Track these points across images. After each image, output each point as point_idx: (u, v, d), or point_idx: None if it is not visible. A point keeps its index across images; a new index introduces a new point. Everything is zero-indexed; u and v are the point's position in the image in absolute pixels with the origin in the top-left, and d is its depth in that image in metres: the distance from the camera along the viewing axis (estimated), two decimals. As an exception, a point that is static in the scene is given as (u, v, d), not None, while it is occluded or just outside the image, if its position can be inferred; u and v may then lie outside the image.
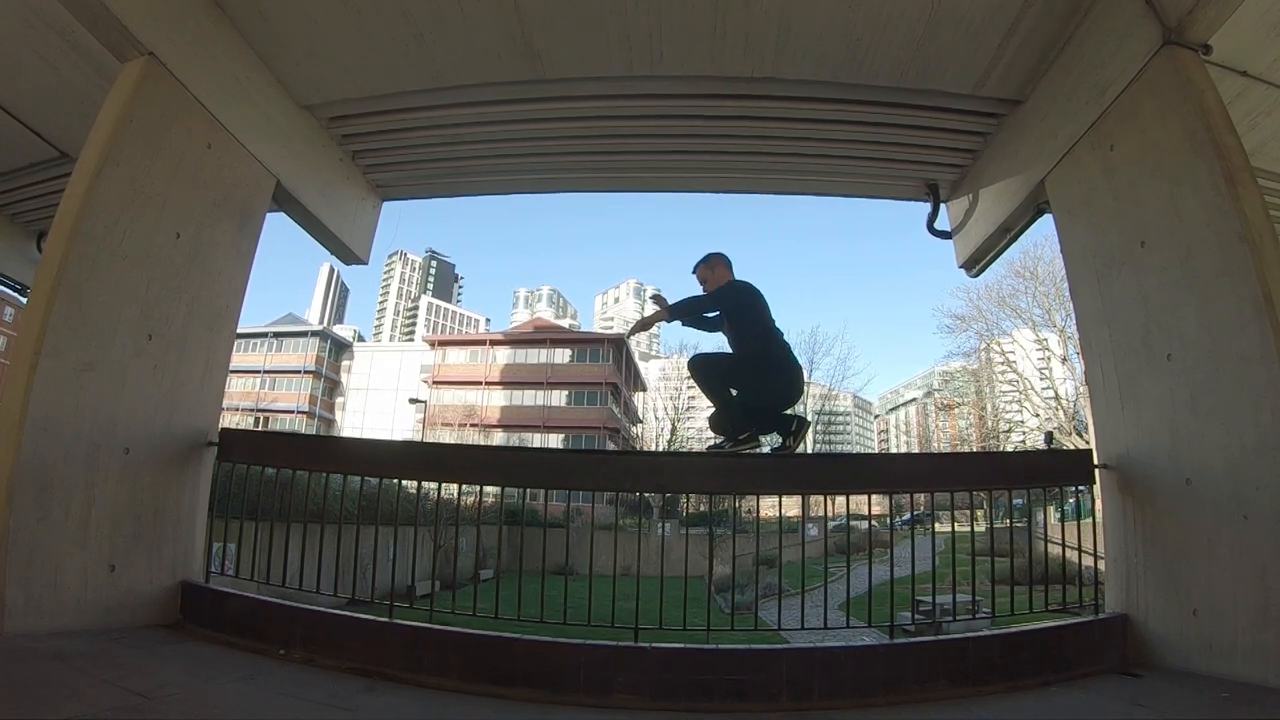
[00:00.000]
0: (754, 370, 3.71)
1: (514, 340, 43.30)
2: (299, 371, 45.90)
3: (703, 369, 3.82)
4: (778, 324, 3.85)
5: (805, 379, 4.25)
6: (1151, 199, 3.38)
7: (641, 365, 50.47)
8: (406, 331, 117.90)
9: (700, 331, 4.27)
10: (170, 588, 3.61)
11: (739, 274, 4.03)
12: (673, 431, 35.56)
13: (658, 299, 4.07)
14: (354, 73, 4.46)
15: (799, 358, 3.96)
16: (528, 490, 6.10)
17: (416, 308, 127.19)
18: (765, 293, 3.87)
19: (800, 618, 4.34)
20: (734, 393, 3.74)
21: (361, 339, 70.53)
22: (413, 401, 36.26)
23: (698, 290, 4.04)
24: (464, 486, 6.18)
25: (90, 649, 2.87)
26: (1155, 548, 3.33)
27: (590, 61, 4.32)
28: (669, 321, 3.92)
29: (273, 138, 4.43)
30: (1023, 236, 5.03)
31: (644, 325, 4.02)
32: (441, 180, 5.77)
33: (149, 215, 3.56)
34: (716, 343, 4.07)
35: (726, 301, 3.84)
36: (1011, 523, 4.80)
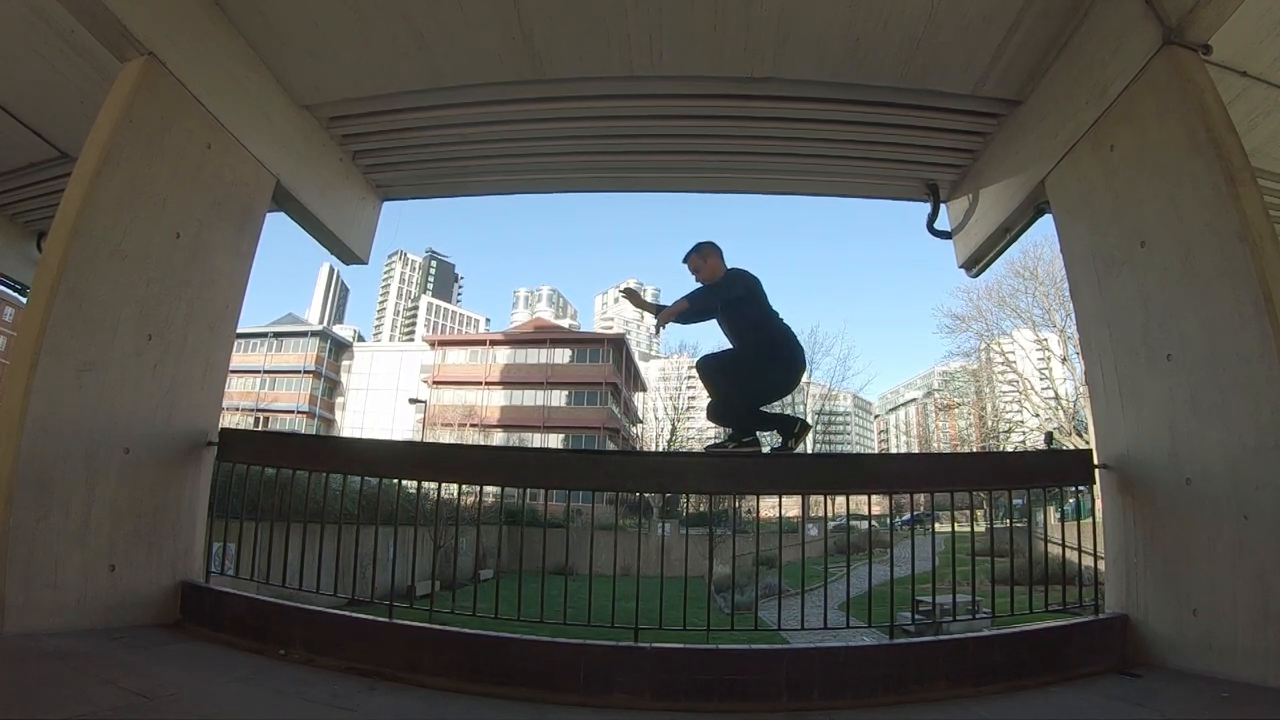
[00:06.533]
0: (763, 356, 3.73)
1: (514, 340, 43.26)
2: (299, 371, 45.86)
3: (711, 370, 3.82)
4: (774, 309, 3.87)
5: (806, 372, 4.24)
6: (1151, 199, 3.38)
7: (641, 365, 50.47)
8: (406, 331, 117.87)
9: (691, 325, 4.27)
10: (170, 587, 3.61)
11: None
12: (673, 432, 35.53)
13: (630, 293, 4.16)
14: (354, 72, 4.46)
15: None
16: (528, 490, 6.09)
17: (416, 308, 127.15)
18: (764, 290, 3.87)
19: (800, 618, 4.34)
20: (739, 387, 3.74)
21: (361, 339, 70.48)
22: (413, 401, 36.22)
23: (692, 283, 4.02)
24: (464, 487, 6.17)
25: (90, 649, 2.88)
26: (1155, 548, 3.33)
27: (590, 62, 4.32)
28: (685, 321, 3.88)
29: (272, 137, 4.43)
30: (1023, 236, 5.04)
31: (665, 320, 3.86)
32: (442, 180, 5.78)
33: (149, 215, 3.56)
34: (718, 342, 4.07)
35: (735, 289, 3.79)
36: (1011, 523, 4.80)
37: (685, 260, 4.02)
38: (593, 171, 5.66)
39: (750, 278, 3.83)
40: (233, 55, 4.06)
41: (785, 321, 3.85)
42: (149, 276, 3.58)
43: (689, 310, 3.83)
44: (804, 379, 4.04)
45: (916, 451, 50.93)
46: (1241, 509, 2.86)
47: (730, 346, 3.92)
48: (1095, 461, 3.74)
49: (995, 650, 3.23)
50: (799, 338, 3.90)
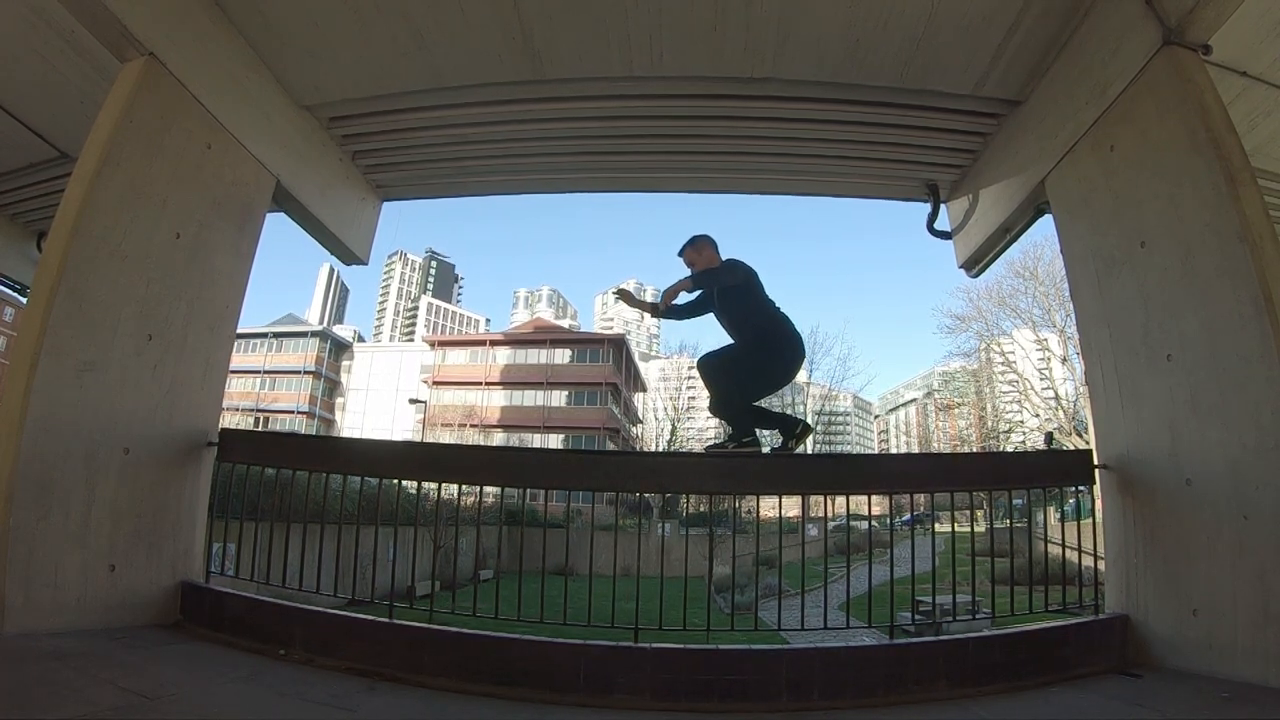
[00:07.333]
0: (762, 348, 3.73)
1: (514, 340, 43.25)
2: (299, 372, 45.85)
3: (711, 369, 3.81)
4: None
5: (806, 370, 4.26)
6: (1151, 199, 3.38)
7: (641, 366, 50.48)
8: (406, 332, 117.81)
9: (684, 321, 4.27)
10: (170, 588, 3.61)
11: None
12: (673, 432, 35.56)
13: (623, 293, 4.14)
14: (354, 73, 4.46)
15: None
16: (528, 490, 6.10)
17: (416, 308, 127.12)
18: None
19: (800, 618, 4.34)
20: (739, 385, 3.73)
21: (361, 339, 70.43)
22: (413, 402, 36.23)
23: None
24: (464, 487, 6.18)
25: (90, 649, 2.87)
26: (1155, 548, 3.33)
27: (590, 62, 4.32)
28: (690, 291, 3.79)
29: (272, 138, 4.43)
30: (1023, 236, 5.03)
31: (669, 298, 3.84)
32: (442, 180, 5.77)
33: (149, 215, 3.56)
34: (719, 339, 4.06)
35: (734, 275, 3.78)
36: (1011, 523, 4.80)
37: (680, 254, 4.03)
38: (593, 171, 5.66)
39: (747, 267, 3.82)
40: (233, 55, 4.06)
41: (783, 310, 3.86)
42: (149, 277, 3.58)
43: (689, 303, 3.86)
44: (804, 379, 4.05)
45: (916, 451, 50.91)
46: (1241, 509, 2.86)
47: (729, 342, 3.92)
48: (1095, 462, 3.73)
49: (995, 650, 3.23)
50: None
